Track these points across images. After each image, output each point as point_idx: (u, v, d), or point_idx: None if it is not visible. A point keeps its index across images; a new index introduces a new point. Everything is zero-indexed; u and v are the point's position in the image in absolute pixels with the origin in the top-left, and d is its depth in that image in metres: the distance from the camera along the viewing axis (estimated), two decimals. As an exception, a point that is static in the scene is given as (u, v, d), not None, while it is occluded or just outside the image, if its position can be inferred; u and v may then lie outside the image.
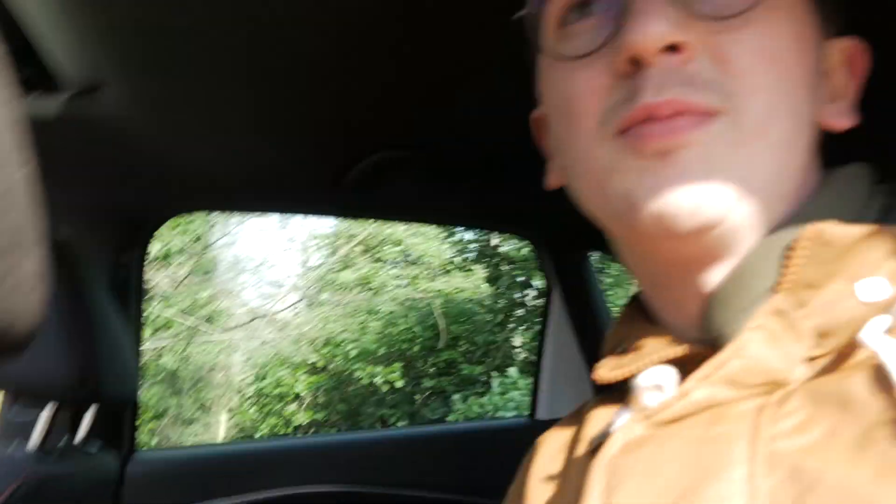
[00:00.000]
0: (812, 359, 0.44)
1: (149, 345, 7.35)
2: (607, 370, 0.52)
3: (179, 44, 0.81)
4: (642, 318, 0.55)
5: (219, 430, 8.26)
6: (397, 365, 7.24)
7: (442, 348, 7.17)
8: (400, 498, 1.55)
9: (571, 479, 0.52)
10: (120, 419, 1.38)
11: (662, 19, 0.43)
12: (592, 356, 0.82)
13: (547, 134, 0.57)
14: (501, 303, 7.49)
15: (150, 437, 7.41)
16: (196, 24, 0.78)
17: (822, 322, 0.43)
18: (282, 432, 7.57)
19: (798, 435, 0.39)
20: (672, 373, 0.47)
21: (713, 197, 0.44)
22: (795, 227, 0.45)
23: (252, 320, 7.99)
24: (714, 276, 0.47)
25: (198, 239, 7.99)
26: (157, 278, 7.25)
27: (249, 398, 8.04)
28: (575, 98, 0.48)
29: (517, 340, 7.47)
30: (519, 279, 7.55)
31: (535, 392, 1.85)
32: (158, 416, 7.62)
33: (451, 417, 6.76)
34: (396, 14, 0.76)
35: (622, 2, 0.46)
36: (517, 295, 7.34)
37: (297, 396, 7.72)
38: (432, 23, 0.78)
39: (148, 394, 7.46)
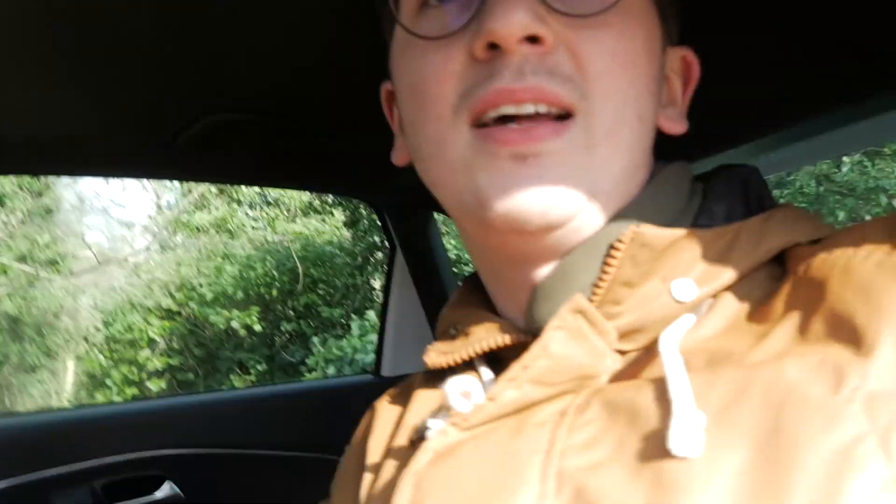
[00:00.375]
0: (624, 353, 0.45)
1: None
2: (436, 355, 0.53)
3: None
4: (478, 300, 0.56)
5: (66, 377, 7.88)
6: (255, 308, 7.10)
7: (301, 291, 7.09)
8: (247, 456, 1.53)
9: (385, 477, 0.52)
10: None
11: (524, 9, 0.43)
12: (435, 315, 0.84)
13: (395, 109, 0.55)
14: (361, 246, 7.48)
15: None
16: None
17: (636, 319, 0.45)
18: (135, 379, 7.31)
19: (587, 450, 0.39)
20: (475, 382, 0.48)
21: (564, 199, 0.44)
22: (620, 225, 0.46)
23: (99, 265, 7.55)
24: (547, 270, 0.48)
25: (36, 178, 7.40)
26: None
27: (98, 345, 7.68)
28: (429, 80, 0.47)
29: (377, 283, 7.52)
30: (379, 222, 7.51)
31: (379, 350, 1.85)
32: (-3, 366, 7.16)
33: (310, 360, 6.75)
34: None
35: None
36: (377, 238, 7.35)
37: (150, 342, 7.45)
38: None
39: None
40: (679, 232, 0.45)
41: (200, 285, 7.38)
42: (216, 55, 0.90)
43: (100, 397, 7.26)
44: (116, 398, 7.17)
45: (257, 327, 7.05)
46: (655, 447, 0.37)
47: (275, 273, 7.18)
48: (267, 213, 8.13)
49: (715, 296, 0.45)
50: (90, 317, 7.93)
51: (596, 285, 0.45)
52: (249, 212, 8.23)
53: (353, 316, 7.00)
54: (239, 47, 0.89)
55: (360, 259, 7.47)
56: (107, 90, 1.01)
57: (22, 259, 7.14)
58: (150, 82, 0.99)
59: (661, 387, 0.39)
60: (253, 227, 7.99)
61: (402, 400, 0.59)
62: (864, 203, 6.49)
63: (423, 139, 0.49)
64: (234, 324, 7.02)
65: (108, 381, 7.37)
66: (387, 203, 1.72)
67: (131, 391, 7.24)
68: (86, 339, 7.81)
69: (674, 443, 0.35)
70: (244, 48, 0.89)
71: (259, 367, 7.19)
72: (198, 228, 7.90)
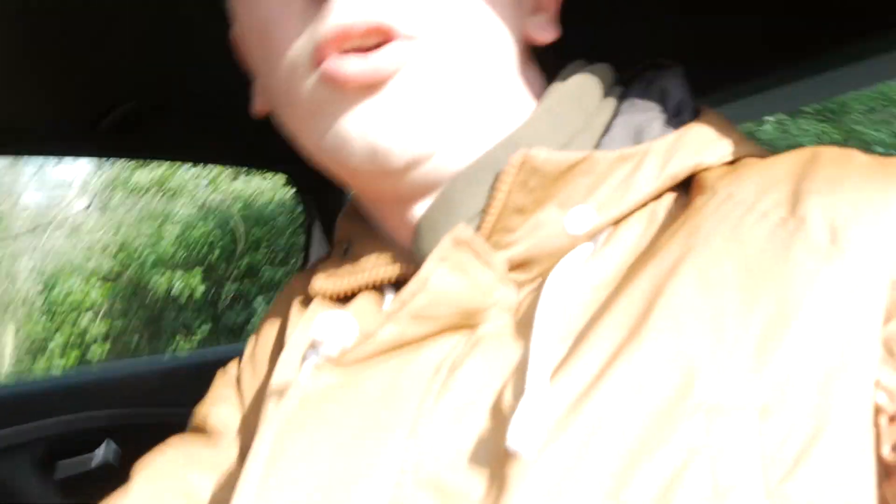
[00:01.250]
0: (521, 283, 0.43)
1: None
2: (324, 278, 0.50)
3: None
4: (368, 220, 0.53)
5: (6, 342, 7.77)
6: (198, 270, 7.03)
7: (243, 252, 7.03)
8: (167, 417, 1.56)
9: (256, 416, 0.49)
10: None
11: None
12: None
13: (248, 54, 0.51)
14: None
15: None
16: None
17: (529, 247, 0.42)
18: (77, 343, 7.25)
19: (451, 425, 0.38)
20: (349, 316, 0.44)
21: (423, 129, 0.41)
22: (508, 149, 0.43)
23: (35, 228, 7.39)
24: (429, 203, 0.45)
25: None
26: None
27: (38, 309, 7.56)
28: (267, 24, 0.43)
29: (321, 242, 7.50)
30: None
31: None
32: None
33: (254, 321, 6.76)
34: None
35: None
36: (321, 197, 7.30)
37: (91, 305, 7.35)
38: None
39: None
40: (576, 155, 0.42)
41: (142, 247, 7.28)
42: (124, 45, 0.95)
43: (41, 362, 7.19)
44: (58, 362, 7.12)
45: (200, 289, 6.99)
46: (501, 435, 0.35)
47: (216, 234, 7.09)
48: (209, 172, 7.98)
49: (617, 223, 0.43)
50: (28, 281, 7.79)
51: (483, 213, 0.43)
52: (190, 170, 8.08)
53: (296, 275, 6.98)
54: (144, 37, 0.94)
55: (302, 217, 7.41)
56: (26, 80, 1.06)
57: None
58: (66, 73, 1.04)
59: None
60: (194, 187, 7.84)
61: (302, 288, 0.55)
62: (786, 160, 6.70)
63: (274, 84, 0.45)
64: (177, 286, 6.95)
65: (51, 345, 7.30)
66: (302, 176, 1.76)
67: (74, 354, 7.18)
68: (24, 303, 7.69)
69: (512, 437, 0.33)
70: (150, 38, 0.94)
71: (204, 328, 7.15)
72: (138, 189, 7.74)
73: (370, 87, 0.40)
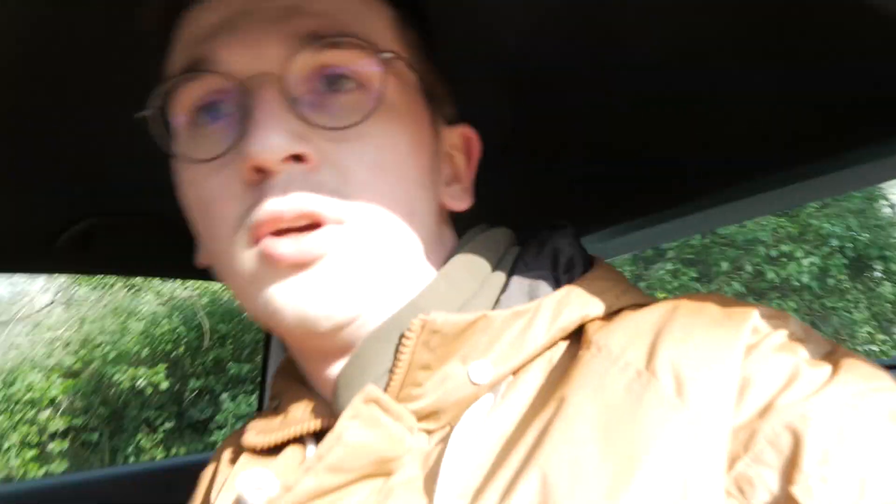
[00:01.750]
0: (431, 431, 0.46)
1: None
2: (254, 434, 0.53)
3: None
4: (300, 369, 0.56)
5: None
6: (161, 366, 6.97)
7: (208, 347, 7.03)
8: None
9: None
10: None
11: (281, 131, 0.43)
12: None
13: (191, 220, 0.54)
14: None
15: None
16: None
17: (435, 400, 0.45)
18: (35, 441, 7.05)
19: None
20: (268, 472, 0.48)
21: (345, 300, 0.45)
22: (411, 313, 0.47)
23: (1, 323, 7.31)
24: (345, 362, 0.48)
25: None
26: None
27: None
28: (209, 202, 0.47)
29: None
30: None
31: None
32: None
33: (219, 417, 6.68)
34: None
35: (245, 108, 0.45)
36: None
37: (52, 401, 7.20)
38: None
39: None
40: (472, 316, 0.46)
41: (104, 344, 7.22)
42: (88, 162, 0.93)
43: None
44: (14, 461, 6.90)
45: (164, 384, 6.91)
46: None
47: (181, 330, 7.10)
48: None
49: (516, 372, 0.46)
50: None
51: (391, 371, 0.46)
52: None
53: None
54: (109, 154, 0.91)
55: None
56: None
57: None
58: (30, 187, 1.01)
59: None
60: (160, 282, 7.86)
61: (233, 455, 0.59)
62: (745, 253, 6.94)
63: (215, 255, 0.50)
64: (140, 382, 6.86)
65: (6, 443, 7.09)
66: None
67: (31, 453, 6.98)
68: None
69: None
70: (107, 156, 0.91)
71: (167, 425, 7.04)
72: (103, 283, 7.73)
73: (301, 265, 0.44)
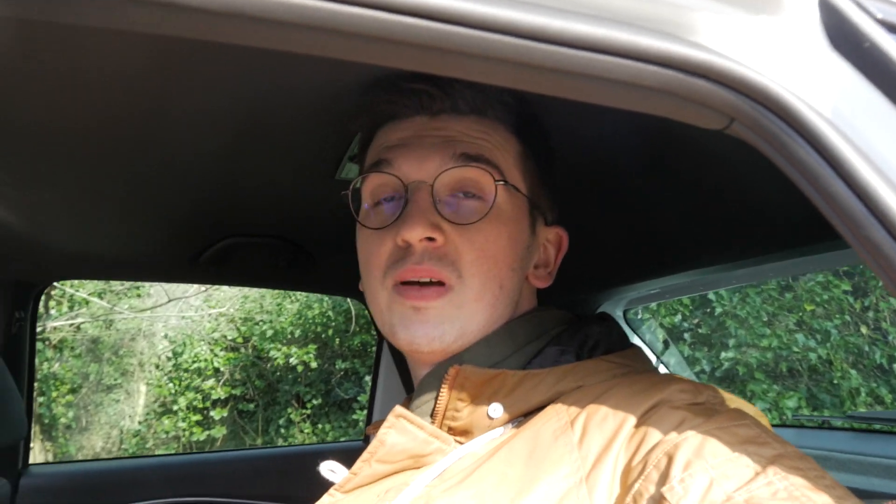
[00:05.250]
0: (461, 442, 0.64)
1: (65, 321, 7.31)
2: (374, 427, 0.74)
3: (61, 158, 0.92)
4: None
5: (139, 400, 8.23)
6: (312, 346, 7.36)
7: (355, 332, 7.35)
8: None
9: None
10: (14, 451, 1.65)
11: (424, 222, 0.65)
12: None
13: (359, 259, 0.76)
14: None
15: (67, 409, 7.36)
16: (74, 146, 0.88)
17: (465, 423, 0.65)
18: (200, 406, 7.60)
19: None
20: (338, 465, 0.71)
21: (442, 337, 0.66)
22: (456, 360, 0.67)
23: (169, 301, 7.96)
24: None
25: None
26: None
27: (167, 372, 8.02)
28: (373, 255, 0.70)
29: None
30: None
31: (369, 416, 2.11)
32: (74, 391, 7.57)
33: (362, 397, 6.95)
34: (238, 130, 0.87)
35: (405, 201, 0.67)
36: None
37: (215, 371, 7.75)
38: (264, 142, 0.91)
39: (65, 367, 7.42)
40: (493, 371, 0.64)
41: (263, 321, 7.69)
42: (233, 191, 1.09)
43: (166, 422, 7.55)
44: (181, 424, 7.46)
45: (314, 364, 7.30)
46: None
47: (331, 313, 7.46)
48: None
49: (527, 415, 0.63)
50: (159, 348, 8.30)
51: (436, 399, 0.67)
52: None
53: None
54: (253, 185, 1.07)
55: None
56: (145, 225, 1.27)
57: (100, 295, 7.59)
58: (177, 216, 1.22)
59: None
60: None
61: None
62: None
63: (367, 287, 0.72)
64: (292, 360, 7.27)
65: (175, 407, 7.69)
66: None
67: (195, 417, 7.53)
68: (157, 367, 8.17)
69: None
70: (258, 185, 1.08)
71: (315, 402, 7.43)
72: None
73: (417, 308, 0.66)
